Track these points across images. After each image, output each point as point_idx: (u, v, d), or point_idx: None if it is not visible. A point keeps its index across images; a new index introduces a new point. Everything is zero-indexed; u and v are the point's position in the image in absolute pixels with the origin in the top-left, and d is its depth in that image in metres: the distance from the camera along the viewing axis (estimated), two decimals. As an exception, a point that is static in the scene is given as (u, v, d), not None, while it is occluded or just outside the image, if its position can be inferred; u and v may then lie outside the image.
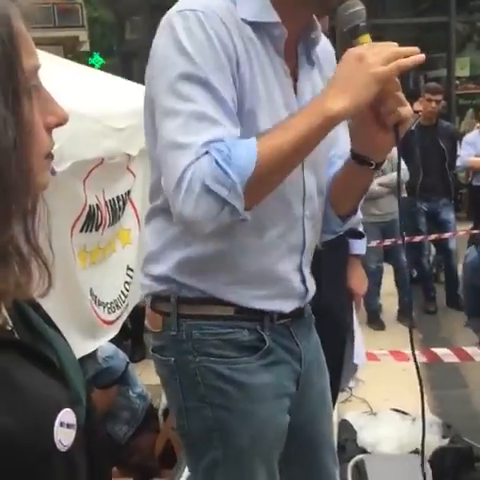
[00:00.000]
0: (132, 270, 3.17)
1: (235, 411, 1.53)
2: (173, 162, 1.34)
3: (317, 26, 1.56)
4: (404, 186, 5.74)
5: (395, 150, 1.51)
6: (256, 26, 1.46)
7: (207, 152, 1.32)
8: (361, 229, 2.96)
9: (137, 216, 3.40)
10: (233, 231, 1.44)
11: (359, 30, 1.40)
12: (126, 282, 3.16)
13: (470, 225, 6.40)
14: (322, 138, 1.37)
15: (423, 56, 1.34)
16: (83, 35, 18.90)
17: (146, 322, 1.71)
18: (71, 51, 14.82)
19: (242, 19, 1.44)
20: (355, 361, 3.22)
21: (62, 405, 0.80)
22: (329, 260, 2.65)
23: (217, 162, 1.30)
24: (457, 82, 12.92)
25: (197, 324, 1.52)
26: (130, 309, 3.20)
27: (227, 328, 1.53)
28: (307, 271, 1.65)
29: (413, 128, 6.74)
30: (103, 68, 18.75)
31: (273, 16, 1.47)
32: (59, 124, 0.87)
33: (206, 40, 1.36)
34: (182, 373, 1.55)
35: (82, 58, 15.28)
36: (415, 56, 1.34)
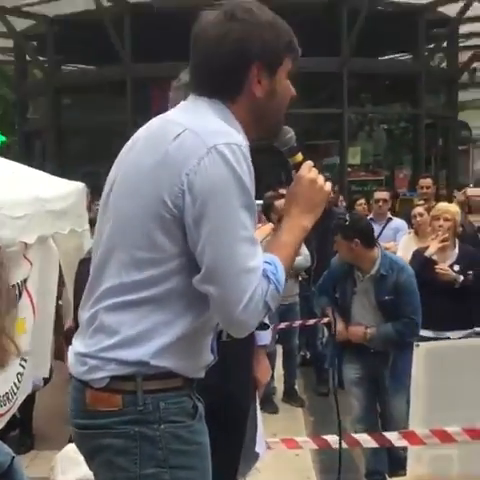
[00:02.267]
0: (25, 360, 3.15)
1: (194, 469, 1.75)
2: (243, 283, 1.64)
3: None
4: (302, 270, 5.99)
5: None
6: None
7: (265, 275, 1.66)
8: (266, 320, 3.08)
9: (33, 305, 3.40)
10: (209, 313, 1.73)
11: (294, 150, 1.87)
12: (19, 373, 3.12)
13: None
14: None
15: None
16: (-16, 113, 18.78)
17: (73, 403, 1.77)
18: (-28, 128, 14.64)
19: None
20: (257, 450, 3.24)
21: None
22: (234, 350, 2.73)
23: (275, 285, 1.67)
24: (349, 169, 13.61)
25: (161, 396, 1.72)
26: (21, 400, 3.16)
27: (181, 397, 1.75)
28: (214, 340, 1.93)
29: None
30: (3, 146, 18.55)
31: (246, 141, 1.75)
32: None
33: (248, 174, 1.65)
34: (144, 441, 1.70)
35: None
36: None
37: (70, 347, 1.85)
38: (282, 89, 1.80)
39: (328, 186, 1.82)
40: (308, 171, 1.81)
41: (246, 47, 1.71)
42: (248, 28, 1.71)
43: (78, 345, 1.79)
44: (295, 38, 1.81)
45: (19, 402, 3.13)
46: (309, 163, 1.83)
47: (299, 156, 1.85)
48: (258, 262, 1.65)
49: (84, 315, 1.80)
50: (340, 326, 4.17)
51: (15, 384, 3.09)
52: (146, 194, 1.67)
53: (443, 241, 4.92)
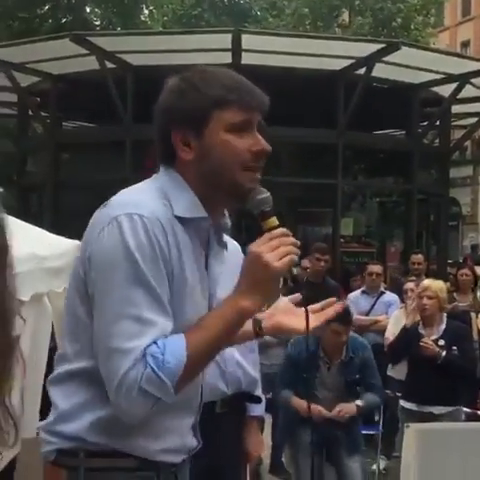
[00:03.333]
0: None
1: None
2: (115, 365, 1.53)
3: (226, 214, 1.81)
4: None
5: None
6: (187, 221, 1.66)
7: (144, 356, 1.51)
8: (259, 393, 3.08)
9: (24, 363, 3.37)
10: None
11: (266, 214, 1.65)
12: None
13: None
14: (237, 332, 1.67)
15: (299, 252, 1.62)
16: (-18, 164, 18.89)
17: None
18: (-32, 179, 14.73)
19: (175, 216, 1.64)
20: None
21: None
22: (227, 422, 2.72)
23: (152, 368, 1.51)
24: (342, 240, 13.71)
25: (105, 476, 1.65)
26: (6, 462, 3.10)
27: (132, 479, 1.66)
28: (197, 425, 1.84)
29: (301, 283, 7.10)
30: (1, 197, 18.65)
31: (202, 211, 1.68)
32: None
33: (149, 246, 1.55)
34: None
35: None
36: (297, 252, 1.62)
37: None
38: (219, 145, 1.66)
39: (277, 263, 1.57)
40: (262, 243, 1.60)
41: (166, 115, 1.71)
42: (170, 97, 1.71)
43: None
44: (240, 87, 1.68)
45: (5, 461, 3.07)
46: (274, 233, 1.62)
47: (273, 221, 1.65)
48: (138, 343, 1.52)
49: None
50: (319, 409, 4.30)
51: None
52: (73, 272, 1.71)
53: (415, 309, 5.09)
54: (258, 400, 3.10)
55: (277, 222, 1.64)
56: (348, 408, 4.41)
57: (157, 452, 1.70)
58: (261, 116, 1.73)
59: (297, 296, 1.98)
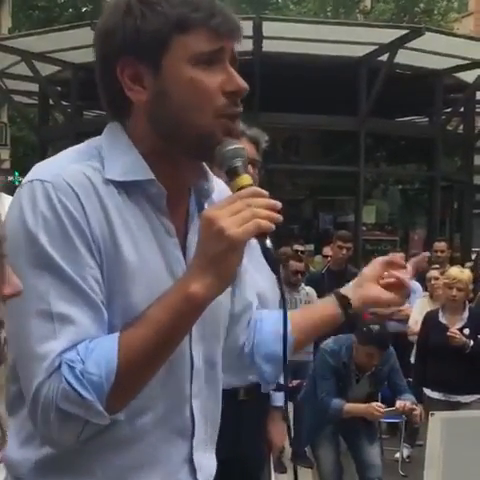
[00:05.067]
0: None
1: None
2: (27, 376, 1.19)
3: (210, 176, 1.38)
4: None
5: None
6: (126, 186, 1.25)
7: (59, 366, 1.15)
8: (282, 381, 3.05)
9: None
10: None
11: (236, 171, 1.22)
12: None
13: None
14: (192, 324, 1.22)
15: (280, 218, 1.17)
16: (5, 153, 19.06)
17: None
18: (-9, 168, 14.87)
19: (108, 179, 1.24)
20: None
21: None
22: (249, 410, 2.69)
23: (68, 381, 1.14)
24: (364, 228, 13.64)
25: None
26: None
27: None
28: (205, 456, 1.40)
29: (323, 272, 7.05)
30: None
31: (145, 173, 1.26)
32: (13, 295, 0.90)
33: (54, 218, 1.17)
34: None
35: (2, 176, 15.31)
36: (272, 217, 1.16)
37: None
38: (181, 83, 1.23)
39: (235, 230, 1.13)
40: (221, 206, 1.17)
41: (105, 45, 1.26)
42: (113, 17, 1.25)
43: None
44: (202, 5, 1.24)
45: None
46: (242, 193, 1.18)
47: (243, 179, 1.21)
48: (50, 347, 1.15)
49: None
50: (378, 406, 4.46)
51: None
52: None
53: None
54: (281, 387, 3.08)
55: (250, 181, 1.21)
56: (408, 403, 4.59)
57: None
58: (234, 46, 1.28)
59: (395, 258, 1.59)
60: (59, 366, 1.15)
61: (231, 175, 1.22)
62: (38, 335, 1.16)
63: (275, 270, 1.21)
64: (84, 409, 1.15)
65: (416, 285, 7.09)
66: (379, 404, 4.45)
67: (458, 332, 4.88)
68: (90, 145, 1.32)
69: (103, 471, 1.25)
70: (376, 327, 4.35)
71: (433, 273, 6.51)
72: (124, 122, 1.31)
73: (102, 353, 1.16)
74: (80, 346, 1.16)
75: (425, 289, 6.73)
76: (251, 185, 1.20)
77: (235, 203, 1.15)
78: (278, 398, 3.11)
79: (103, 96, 1.32)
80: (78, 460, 1.24)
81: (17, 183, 19.00)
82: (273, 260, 1.19)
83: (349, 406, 4.38)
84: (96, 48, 1.28)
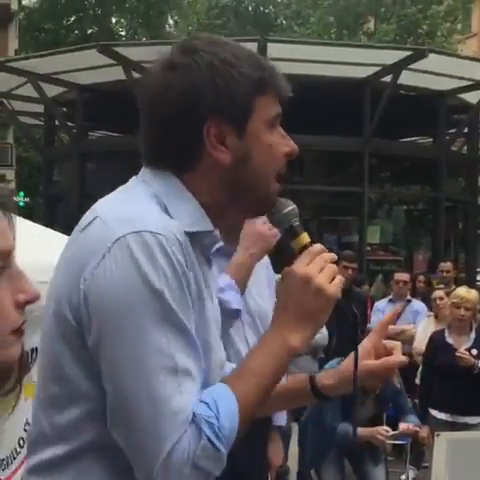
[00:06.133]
0: (30, 424, 3.10)
1: None
2: (155, 437, 1.13)
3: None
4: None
5: None
6: (192, 236, 1.25)
7: (194, 422, 1.14)
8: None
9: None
10: None
11: (297, 230, 1.33)
12: (21, 438, 3.06)
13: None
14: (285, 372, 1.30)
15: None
16: (10, 174, 19.17)
17: None
18: (-4, 188, 14.90)
19: (186, 231, 1.23)
20: None
21: None
22: (251, 427, 2.67)
23: (209, 439, 1.14)
24: (368, 248, 13.63)
25: None
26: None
27: None
28: None
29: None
30: (27, 207, 18.89)
31: (208, 224, 1.28)
32: (29, 302, 0.93)
33: (172, 273, 1.16)
34: None
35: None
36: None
37: None
38: (262, 148, 1.28)
39: (332, 288, 1.27)
40: (305, 264, 1.27)
41: (193, 100, 1.24)
42: (192, 75, 1.24)
43: None
44: (273, 68, 1.31)
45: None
46: (314, 249, 1.30)
47: (304, 237, 1.32)
48: (182, 403, 1.14)
49: None
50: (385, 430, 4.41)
51: (15, 449, 3.02)
52: (53, 309, 1.22)
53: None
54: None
55: (309, 238, 1.32)
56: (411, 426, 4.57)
57: None
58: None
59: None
60: (193, 421, 1.14)
61: (291, 233, 1.33)
62: (166, 391, 1.13)
63: (354, 323, 1.36)
64: (215, 464, 1.16)
65: (421, 305, 7.08)
66: (385, 428, 4.41)
67: (467, 353, 4.85)
68: (145, 191, 1.28)
69: None
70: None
71: (438, 293, 6.49)
72: (180, 173, 1.28)
73: (227, 406, 1.17)
74: (207, 399, 1.16)
75: (430, 309, 6.70)
76: (311, 241, 1.32)
77: (316, 260, 1.27)
78: (279, 418, 3.10)
79: (167, 146, 1.29)
80: None
81: (21, 204, 19.13)
82: (351, 314, 1.34)
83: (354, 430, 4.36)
84: (177, 102, 1.25)
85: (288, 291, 1.28)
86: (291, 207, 1.33)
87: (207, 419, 1.14)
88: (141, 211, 1.21)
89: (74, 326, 1.18)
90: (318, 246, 1.31)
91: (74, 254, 1.22)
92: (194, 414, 1.14)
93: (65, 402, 1.21)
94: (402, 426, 4.51)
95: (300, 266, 1.27)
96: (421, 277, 8.56)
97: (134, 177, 1.35)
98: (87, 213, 1.28)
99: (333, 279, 1.28)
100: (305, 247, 1.31)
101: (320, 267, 1.27)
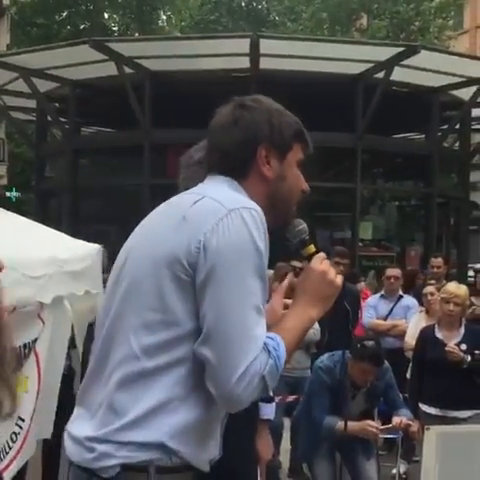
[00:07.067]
0: (23, 420, 3.09)
1: None
2: (243, 351, 1.57)
3: None
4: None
5: None
6: None
7: (266, 348, 1.59)
8: (271, 393, 3.06)
9: (38, 365, 3.36)
10: (213, 400, 1.63)
11: (306, 242, 1.85)
12: (13, 432, 3.07)
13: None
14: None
15: None
16: (2, 169, 19.10)
17: None
18: (-12, 184, 14.88)
19: None
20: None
21: None
22: (238, 423, 2.69)
23: (275, 360, 1.59)
24: (360, 244, 13.65)
25: None
26: (21, 463, 3.10)
27: None
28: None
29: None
30: (19, 203, 18.83)
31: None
32: None
33: (265, 240, 1.65)
34: None
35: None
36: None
37: (66, 432, 1.70)
38: (292, 176, 1.84)
39: (339, 280, 1.80)
40: (319, 263, 1.80)
41: (254, 130, 1.79)
42: (256, 114, 1.80)
43: (81, 428, 1.64)
44: (305, 130, 1.86)
45: (18, 464, 3.07)
46: (322, 255, 1.82)
47: (311, 248, 1.85)
48: (261, 332, 1.60)
49: (91, 395, 1.68)
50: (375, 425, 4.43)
51: (8, 443, 3.03)
52: (162, 257, 1.62)
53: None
54: (270, 399, 3.09)
55: (315, 248, 1.85)
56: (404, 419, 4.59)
57: (205, 462, 1.71)
58: None
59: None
60: (265, 346, 1.59)
61: (302, 244, 1.84)
62: (253, 322, 1.58)
63: (345, 319, 2.00)
64: (273, 382, 1.59)
65: (412, 301, 7.10)
66: (373, 422, 4.41)
67: (456, 347, 4.88)
68: (230, 186, 1.77)
69: (215, 434, 1.73)
70: (370, 343, 4.34)
71: (429, 289, 6.52)
72: (234, 178, 1.78)
73: (281, 345, 1.63)
74: (270, 336, 1.62)
75: (421, 304, 6.73)
76: (318, 251, 1.84)
77: (325, 261, 1.81)
78: (267, 411, 3.12)
79: (227, 157, 1.79)
80: (208, 426, 1.68)
81: (13, 199, 19.03)
82: (343, 310, 1.74)
83: (343, 424, 4.35)
84: (243, 129, 1.78)
85: (310, 280, 1.78)
86: (303, 225, 1.86)
87: (273, 346, 1.60)
88: (239, 196, 1.72)
89: (187, 269, 1.60)
90: (323, 254, 1.83)
91: (181, 223, 1.63)
92: (265, 343, 1.59)
93: (159, 326, 1.60)
94: (395, 420, 4.52)
95: (317, 264, 1.80)
96: (421, 274, 8.59)
97: (210, 177, 1.80)
98: (186, 196, 1.73)
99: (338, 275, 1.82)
100: (312, 254, 1.82)
101: (329, 266, 1.81)
